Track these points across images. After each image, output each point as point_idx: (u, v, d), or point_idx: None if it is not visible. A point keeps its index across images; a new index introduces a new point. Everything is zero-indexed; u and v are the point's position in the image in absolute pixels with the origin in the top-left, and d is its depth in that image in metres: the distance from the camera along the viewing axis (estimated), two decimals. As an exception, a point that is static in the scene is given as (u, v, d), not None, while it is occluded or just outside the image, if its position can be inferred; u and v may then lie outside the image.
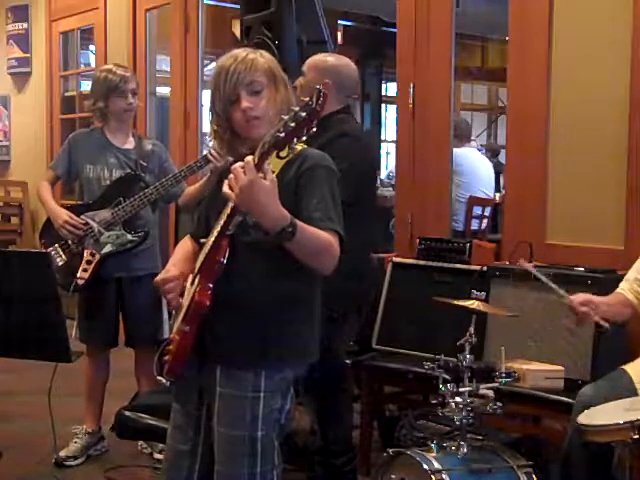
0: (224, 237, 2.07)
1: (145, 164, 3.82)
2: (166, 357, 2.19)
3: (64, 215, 3.70)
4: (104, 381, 3.95)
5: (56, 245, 3.76)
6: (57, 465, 3.73)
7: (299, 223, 1.96)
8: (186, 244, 2.40)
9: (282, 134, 1.84)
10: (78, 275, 3.70)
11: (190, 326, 2.09)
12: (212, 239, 2.09)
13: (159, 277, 2.24)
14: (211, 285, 2.07)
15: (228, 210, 2.02)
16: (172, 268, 2.26)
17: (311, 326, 2.22)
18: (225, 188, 1.96)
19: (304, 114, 1.82)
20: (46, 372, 3.31)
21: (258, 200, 1.90)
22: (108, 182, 3.79)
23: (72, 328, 3.89)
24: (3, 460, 3.46)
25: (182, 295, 2.23)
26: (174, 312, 2.26)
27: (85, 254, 3.72)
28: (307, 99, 1.82)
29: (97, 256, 3.72)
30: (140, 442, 3.90)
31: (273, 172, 1.94)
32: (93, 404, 3.92)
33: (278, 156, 1.90)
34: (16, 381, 4.85)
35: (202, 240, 2.18)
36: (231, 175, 1.93)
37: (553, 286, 2.75)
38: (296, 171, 2.10)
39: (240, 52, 2.19)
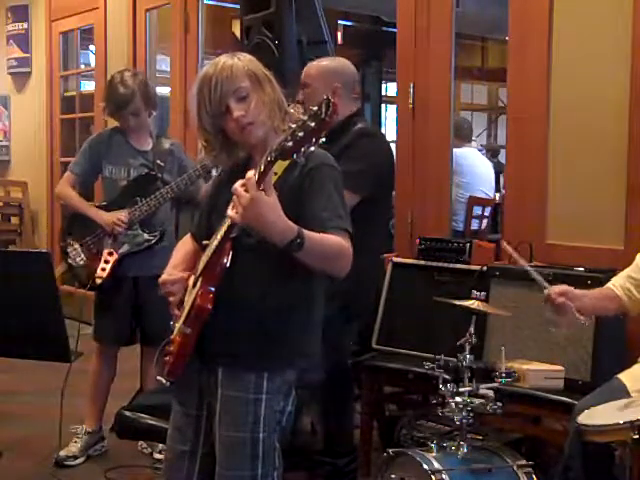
0: (227, 240, 2.06)
1: (162, 164, 3.84)
2: (167, 358, 2.19)
3: (113, 218, 3.70)
4: (110, 381, 3.94)
5: (76, 245, 3.79)
6: (57, 465, 3.73)
7: (307, 232, 1.95)
8: (186, 244, 2.40)
9: (290, 143, 1.82)
10: (96, 274, 3.73)
11: (191, 328, 2.10)
12: (215, 242, 2.08)
13: (161, 278, 2.24)
14: (213, 288, 2.07)
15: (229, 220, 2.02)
16: (174, 270, 2.27)
17: (314, 327, 2.22)
18: (229, 211, 1.95)
19: (313, 124, 1.79)
20: (46, 372, 3.32)
21: (263, 216, 1.89)
22: (125, 182, 3.81)
23: (88, 329, 3.91)
24: (3, 460, 3.46)
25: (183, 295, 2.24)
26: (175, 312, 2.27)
27: (103, 253, 3.76)
28: (316, 108, 1.80)
29: (115, 255, 3.75)
30: (140, 442, 3.89)
31: (276, 174, 1.94)
32: (96, 403, 3.91)
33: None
34: (16, 381, 4.85)
35: (205, 242, 2.18)
36: (234, 197, 1.91)
37: (535, 275, 2.76)
38: (300, 171, 2.09)
39: (218, 61, 2.16)
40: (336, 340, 3.15)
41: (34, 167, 7.55)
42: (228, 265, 2.06)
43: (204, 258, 2.14)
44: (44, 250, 3.67)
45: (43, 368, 3.18)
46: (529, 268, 2.79)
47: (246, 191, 1.88)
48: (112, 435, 3.67)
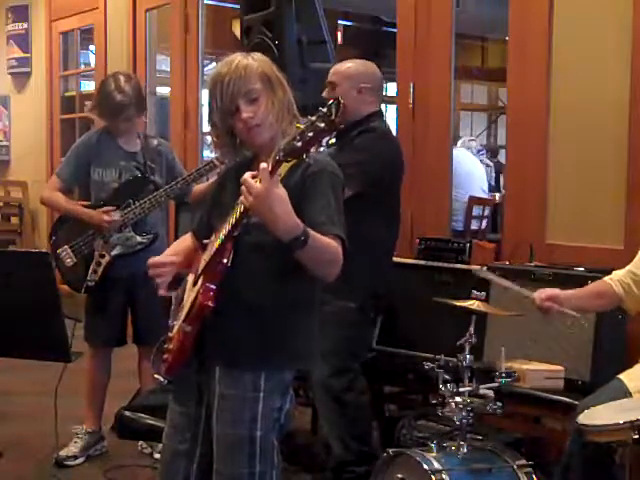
0: (229, 240, 2.07)
1: (153, 165, 3.83)
2: (165, 356, 2.19)
3: (102, 215, 3.69)
4: (106, 381, 3.94)
5: (66, 246, 3.78)
6: (57, 465, 3.73)
7: (311, 232, 1.95)
8: (186, 240, 2.40)
9: (299, 143, 1.83)
10: (89, 277, 3.73)
11: (192, 326, 2.10)
12: (217, 242, 2.08)
13: (153, 259, 2.24)
14: (214, 287, 2.07)
15: (237, 214, 2.01)
16: (171, 255, 2.28)
17: (312, 327, 2.22)
18: (242, 199, 1.94)
19: (322, 125, 1.80)
20: (46, 372, 3.31)
21: (273, 209, 1.89)
22: (116, 185, 3.78)
23: (81, 330, 3.90)
24: (3, 460, 3.46)
25: (182, 293, 2.24)
26: (173, 311, 2.27)
27: (95, 255, 3.74)
28: (325, 109, 1.80)
29: (107, 257, 3.74)
30: (140, 442, 3.89)
31: (280, 175, 1.94)
32: (94, 404, 3.92)
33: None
34: (16, 381, 4.85)
35: (205, 241, 2.18)
36: (243, 187, 1.91)
37: (515, 287, 2.79)
38: (302, 174, 2.10)
39: (233, 60, 2.16)
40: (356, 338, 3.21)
41: (34, 167, 7.55)
42: (229, 264, 2.07)
43: (205, 257, 2.14)
44: (44, 250, 3.65)
45: (43, 368, 3.17)
46: (510, 284, 2.85)
47: (259, 181, 1.88)
48: (112, 435, 3.67)
